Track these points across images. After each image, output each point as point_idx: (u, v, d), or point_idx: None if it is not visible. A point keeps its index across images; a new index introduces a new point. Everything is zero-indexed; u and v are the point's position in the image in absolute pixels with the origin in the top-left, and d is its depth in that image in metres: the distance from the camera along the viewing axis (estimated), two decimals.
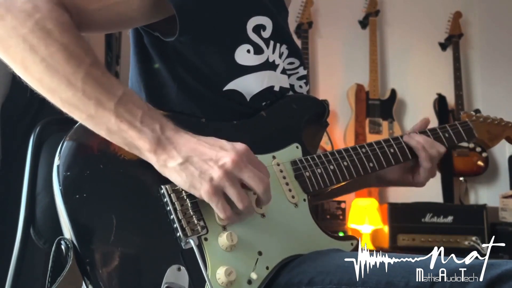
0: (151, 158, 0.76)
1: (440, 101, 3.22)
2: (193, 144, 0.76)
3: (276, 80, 0.99)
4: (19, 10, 0.73)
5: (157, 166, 0.77)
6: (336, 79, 3.27)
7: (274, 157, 0.93)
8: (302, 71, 1.09)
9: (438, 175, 3.11)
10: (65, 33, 0.74)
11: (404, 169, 1.12)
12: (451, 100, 3.24)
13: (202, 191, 0.75)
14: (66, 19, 0.76)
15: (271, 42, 0.99)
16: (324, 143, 2.94)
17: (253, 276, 0.77)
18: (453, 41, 3.31)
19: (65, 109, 0.76)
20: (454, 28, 3.33)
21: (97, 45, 2.39)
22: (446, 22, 3.36)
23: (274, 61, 0.99)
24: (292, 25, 3.16)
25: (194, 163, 0.75)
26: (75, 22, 0.78)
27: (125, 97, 0.75)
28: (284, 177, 0.91)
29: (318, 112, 1.05)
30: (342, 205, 2.79)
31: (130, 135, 0.75)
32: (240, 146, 0.78)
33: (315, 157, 0.96)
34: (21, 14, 0.73)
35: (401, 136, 1.10)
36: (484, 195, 3.23)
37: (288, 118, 1.00)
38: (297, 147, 0.97)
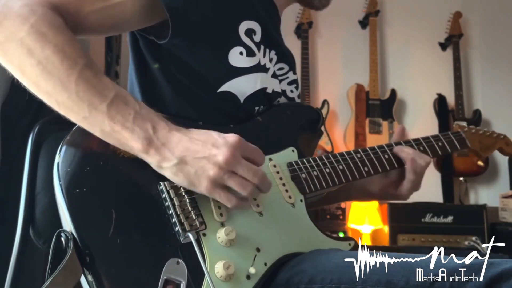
0: (145, 158, 0.78)
1: (440, 101, 3.22)
2: (186, 142, 0.77)
3: (268, 82, 1.01)
4: (16, 15, 0.75)
5: (152, 166, 0.79)
6: (336, 79, 3.26)
7: (270, 159, 0.94)
8: (292, 76, 1.10)
9: (438, 175, 3.11)
10: (59, 35, 0.76)
11: (387, 182, 1.11)
12: (451, 100, 3.23)
13: (202, 188, 0.77)
14: (59, 22, 0.78)
15: (262, 47, 1.00)
16: (324, 143, 2.95)
17: (252, 270, 0.78)
18: (453, 41, 3.31)
19: (61, 111, 0.77)
20: (454, 28, 3.33)
21: (97, 45, 2.39)
22: (446, 22, 3.36)
23: (265, 64, 1.01)
24: (292, 25, 3.16)
25: (188, 162, 0.76)
26: (69, 25, 0.80)
27: (117, 98, 0.76)
28: (281, 178, 0.93)
29: (312, 120, 1.07)
30: (342, 205, 2.79)
31: (123, 136, 0.76)
32: (232, 139, 0.78)
33: (311, 159, 0.98)
34: (18, 18, 0.75)
35: (395, 143, 1.10)
36: (484, 195, 3.23)
37: (283, 124, 1.02)
38: (293, 151, 0.98)
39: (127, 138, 0.76)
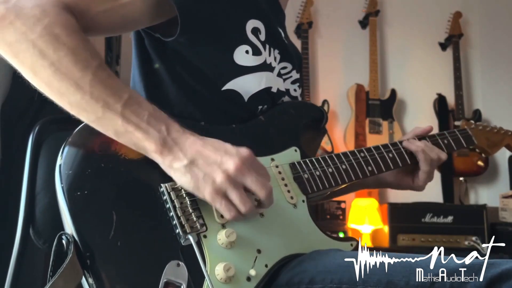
0: (157, 158, 0.78)
1: (440, 101, 3.22)
2: (199, 146, 0.78)
3: (273, 81, 1.01)
4: (28, 16, 0.74)
5: (163, 166, 0.79)
6: (336, 79, 3.26)
7: (273, 160, 0.94)
8: (295, 75, 1.10)
9: (438, 175, 3.11)
10: (72, 37, 0.76)
11: (403, 173, 1.13)
12: (451, 100, 3.23)
13: (206, 193, 0.77)
14: (72, 22, 0.78)
15: (267, 46, 1.00)
16: (324, 143, 2.95)
17: (252, 272, 0.78)
18: (453, 41, 3.31)
19: (73, 111, 0.77)
20: (454, 28, 3.33)
21: (97, 45, 2.38)
22: (446, 22, 3.36)
23: (271, 63, 1.01)
24: (292, 25, 3.16)
25: (199, 165, 0.77)
26: (81, 25, 0.80)
27: (131, 99, 0.77)
28: (283, 179, 0.92)
29: (316, 118, 1.06)
30: (342, 205, 2.79)
31: (136, 137, 0.76)
32: (244, 151, 0.79)
33: (314, 160, 0.97)
34: (30, 19, 0.74)
35: (400, 141, 1.11)
36: (484, 195, 3.23)
37: (286, 123, 1.01)
38: (295, 151, 0.98)
39: (140, 138, 0.76)
